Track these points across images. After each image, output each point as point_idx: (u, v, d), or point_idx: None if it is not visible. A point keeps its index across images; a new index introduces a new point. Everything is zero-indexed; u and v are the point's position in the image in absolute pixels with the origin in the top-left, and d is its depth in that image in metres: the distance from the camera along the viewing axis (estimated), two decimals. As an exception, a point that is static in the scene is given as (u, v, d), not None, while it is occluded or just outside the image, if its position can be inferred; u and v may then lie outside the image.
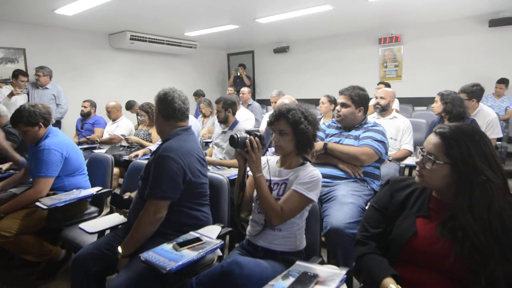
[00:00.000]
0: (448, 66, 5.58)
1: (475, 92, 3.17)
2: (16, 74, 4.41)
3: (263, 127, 3.82)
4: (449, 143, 1.06)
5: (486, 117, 3.15)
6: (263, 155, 1.52)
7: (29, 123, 2.16)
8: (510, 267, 0.95)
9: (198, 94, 6.09)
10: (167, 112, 1.68)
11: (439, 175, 1.08)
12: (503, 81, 4.85)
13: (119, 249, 1.51)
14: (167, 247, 1.42)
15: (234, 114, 3.10)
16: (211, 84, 8.21)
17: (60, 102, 4.80)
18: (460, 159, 1.04)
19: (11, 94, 4.22)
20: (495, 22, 5.05)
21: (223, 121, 3.06)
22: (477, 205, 1.01)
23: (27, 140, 2.30)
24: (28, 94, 4.72)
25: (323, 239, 1.75)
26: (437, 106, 2.92)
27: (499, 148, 3.20)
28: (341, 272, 1.20)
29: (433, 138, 1.11)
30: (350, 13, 5.02)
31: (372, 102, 3.39)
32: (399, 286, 1.02)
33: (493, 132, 3.11)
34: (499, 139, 3.20)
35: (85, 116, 4.45)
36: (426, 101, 5.58)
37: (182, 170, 1.54)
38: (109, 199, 1.90)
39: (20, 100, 4.30)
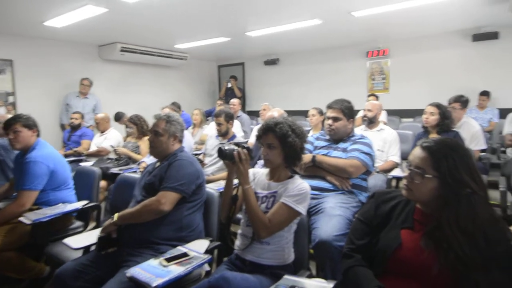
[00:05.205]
0: (434, 79, 5.73)
1: (466, 102, 3.33)
2: None
3: (252, 139, 3.85)
4: (437, 157, 1.09)
5: (471, 129, 3.22)
6: (252, 167, 1.53)
7: (26, 125, 2.21)
8: (492, 277, 0.97)
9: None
10: (180, 134, 1.87)
11: (427, 188, 1.10)
12: (485, 93, 5.01)
13: (115, 215, 1.64)
14: (154, 262, 1.40)
15: (232, 126, 3.14)
16: (202, 95, 8.24)
17: (99, 112, 5.17)
18: (448, 172, 1.07)
19: None
20: (478, 37, 5.24)
21: (224, 133, 3.08)
22: (463, 217, 1.03)
23: (16, 143, 2.21)
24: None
25: (311, 251, 1.75)
26: (434, 118, 2.93)
27: (483, 159, 3.27)
28: (329, 285, 1.20)
29: (419, 152, 1.13)
30: (339, 28, 5.14)
31: (360, 114, 3.46)
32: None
33: (478, 143, 3.18)
34: (483, 151, 3.27)
35: (74, 128, 4.40)
36: (413, 113, 5.69)
37: (197, 173, 1.74)
38: (97, 236, 1.65)
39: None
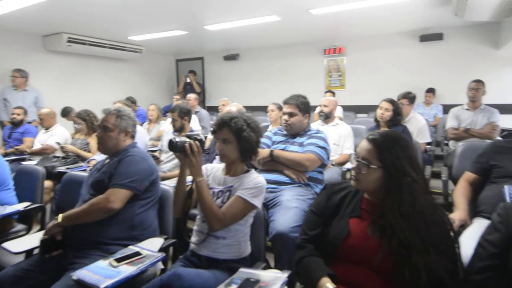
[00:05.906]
0: (385, 77, 6.04)
1: (413, 98, 3.58)
2: None
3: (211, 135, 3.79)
4: (381, 149, 1.15)
5: (417, 123, 3.45)
6: (211, 162, 1.51)
7: None
8: (430, 259, 1.04)
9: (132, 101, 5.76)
10: (132, 129, 1.79)
11: (373, 178, 1.16)
12: (431, 90, 5.39)
13: (60, 216, 1.54)
14: (103, 263, 1.33)
15: (189, 122, 3.05)
16: (159, 90, 7.97)
17: (41, 105, 4.81)
18: (391, 163, 1.13)
19: None
20: (425, 37, 5.61)
21: (179, 129, 2.99)
22: (404, 204, 1.10)
23: None
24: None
25: (269, 244, 1.77)
26: (389, 114, 3.07)
27: (428, 151, 3.51)
28: (283, 276, 1.22)
29: (366, 145, 1.19)
30: (297, 25, 5.22)
31: (317, 110, 3.55)
32: (334, 285, 1.06)
33: (423, 137, 3.42)
34: (428, 143, 3.51)
35: (16, 124, 4.04)
36: (367, 109, 5.97)
37: (150, 169, 1.67)
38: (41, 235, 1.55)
39: None
